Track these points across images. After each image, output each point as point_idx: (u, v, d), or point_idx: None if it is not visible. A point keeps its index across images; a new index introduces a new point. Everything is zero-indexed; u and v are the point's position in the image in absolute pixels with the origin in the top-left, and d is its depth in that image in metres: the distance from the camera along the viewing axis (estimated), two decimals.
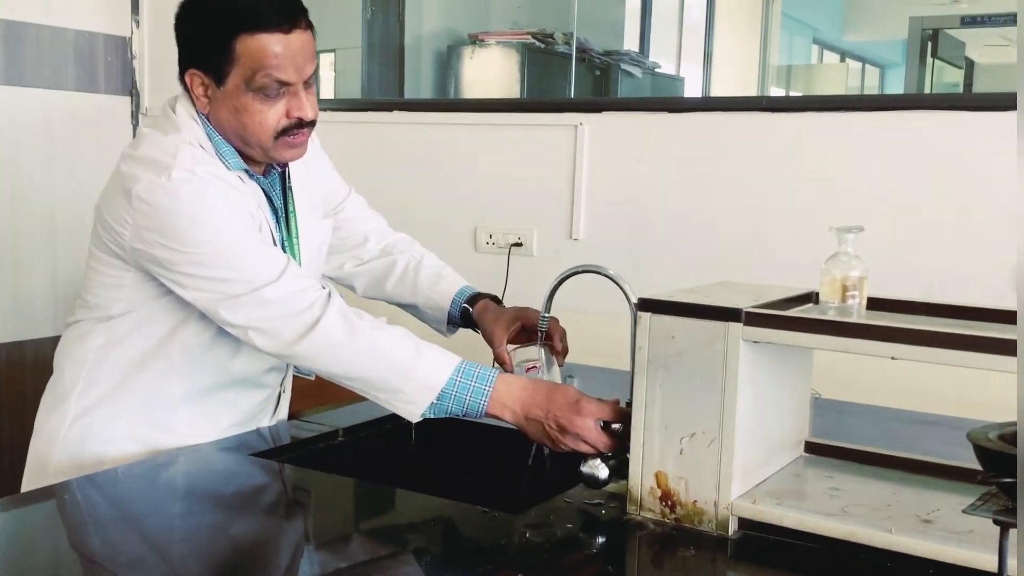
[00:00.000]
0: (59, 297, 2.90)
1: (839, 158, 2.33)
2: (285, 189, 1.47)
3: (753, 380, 1.11)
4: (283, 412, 1.60)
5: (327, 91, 3.70)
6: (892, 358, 0.98)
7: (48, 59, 2.88)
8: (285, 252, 1.44)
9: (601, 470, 1.20)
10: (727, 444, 1.09)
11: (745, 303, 1.10)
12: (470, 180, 2.82)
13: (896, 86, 7.13)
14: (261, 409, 1.53)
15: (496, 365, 1.46)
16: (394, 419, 1.54)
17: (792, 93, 6.47)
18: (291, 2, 1.35)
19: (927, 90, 5.22)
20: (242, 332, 1.32)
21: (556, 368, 1.39)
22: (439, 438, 1.58)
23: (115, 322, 1.42)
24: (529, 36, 3.94)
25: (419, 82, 3.86)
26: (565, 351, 1.47)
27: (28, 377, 2.80)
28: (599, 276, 1.35)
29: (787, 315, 1.07)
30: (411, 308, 1.66)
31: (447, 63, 3.96)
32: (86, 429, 1.43)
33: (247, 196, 1.38)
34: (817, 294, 1.25)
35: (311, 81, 1.37)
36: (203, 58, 1.35)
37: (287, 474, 1.37)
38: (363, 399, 1.35)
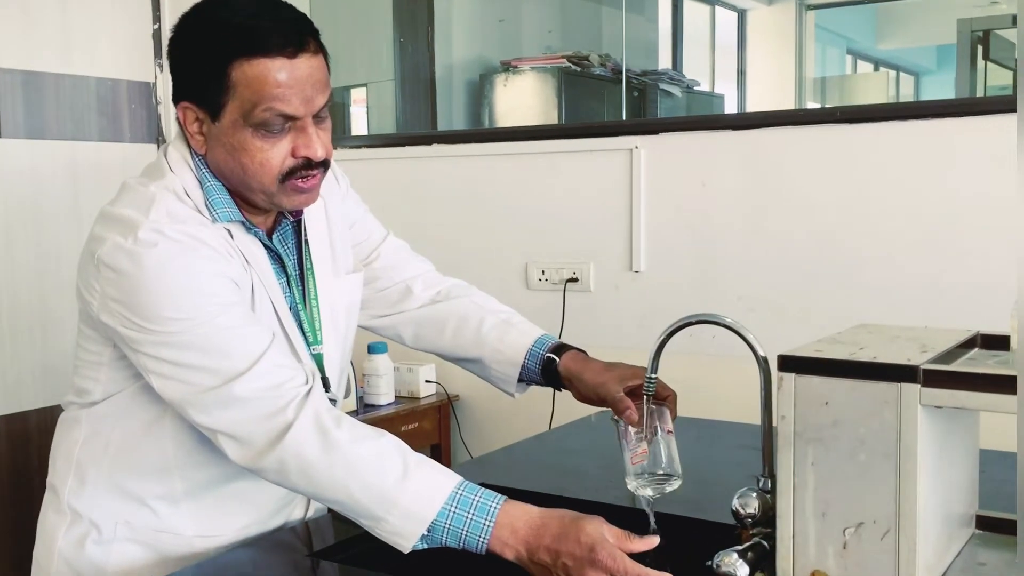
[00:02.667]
0: None
1: (926, 170, 2.12)
2: (300, 243, 1.27)
3: (932, 453, 0.89)
4: (314, 503, 1.37)
5: (360, 127, 3.55)
6: None
7: (70, 109, 2.74)
8: (300, 317, 1.24)
9: (740, 568, 0.98)
10: (907, 535, 0.87)
11: (916, 357, 0.89)
12: (518, 213, 2.64)
13: (932, 92, 6.93)
14: (288, 501, 1.31)
15: (616, 420, 1.23)
16: None
17: (828, 104, 6.29)
18: (298, 21, 1.14)
19: (980, 93, 5.01)
20: (212, 436, 1.12)
21: (672, 436, 1.17)
22: None
23: (98, 408, 1.22)
24: (564, 60, 3.79)
25: (451, 113, 3.72)
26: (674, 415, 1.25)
27: None
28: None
29: (981, 373, 0.85)
30: (473, 363, 1.42)
31: (480, 92, 3.82)
32: (82, 533, 1.23)
33: (232, 259, 1.16)
34: (981, 337, 1.04)
35: (323, 114, 1.16)
36: (196, 88, 1.14)
37: None
38: None
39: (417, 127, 3.36)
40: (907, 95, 7.11)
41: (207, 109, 1.14)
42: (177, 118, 1.18)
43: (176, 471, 1.22)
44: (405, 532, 1.08)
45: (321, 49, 1.16)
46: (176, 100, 1.18)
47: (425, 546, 1.09)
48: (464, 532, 1.07)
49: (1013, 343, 0.90)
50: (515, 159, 2.65)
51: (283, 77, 1.10)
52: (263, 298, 1.20)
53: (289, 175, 1.15)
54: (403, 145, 2.87)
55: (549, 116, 3.65)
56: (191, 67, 1.15)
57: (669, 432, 1.16)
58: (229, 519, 1.26)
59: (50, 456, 1.30)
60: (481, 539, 1.07)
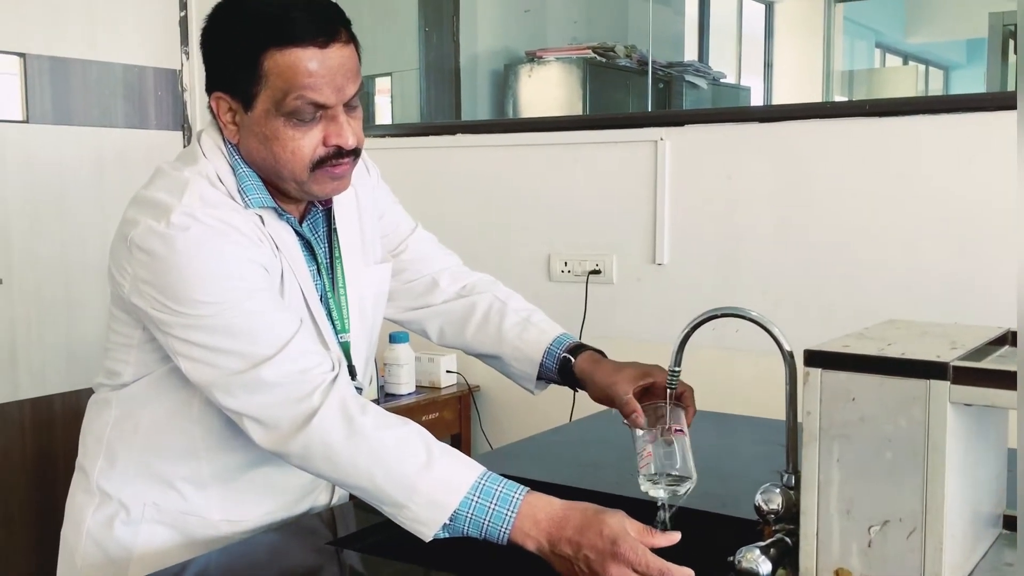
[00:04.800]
0: None
1: (957, 164, 2.09)
2: (330, 231, 1.27)
3: (959, 451, 0.88)
4: (339, 490, 1.37)
5: (385, 116, 3.55)
6: None
7: (97, 96, 2.76)
8: (329, 304, 1.25)
9: (763, 564, 0.97)
10: (933, 534, 0.86)
11: (946, 354, 0.87)
12: (541, 204, 2.64)
13: (962, 87, 6.83)
14: (314, 487, 1.32)
15: (628, 424, 1.23)
16: None
17: (855, 98, 6.21)
18: (329, 10, 1.15)
19: (1011, 88, 4.93)
20: (238, 419, 1.13)
21: (686, 436, 1.16)
22: None
23: (129, 391, 1.23)
24: (589, 51, 3.78)
25: (476, 103, 3.71)
26: (693, 413, 1.24)
27: None
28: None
29: (1011, 370, 0.83)
30: (494, 360, 1.42)
31: (504, 82, 3.81)
32: (111, 514, 1.24)
33: (262, 244, 1.17)
34: (1012, 334, 1.02)
35: (354, 103, 1.16)
36: (228, 78, 1.15)
37: (369, 569, 1.16)
38: None
39: (441, 117, 3.35)
40: (936, 89, 7.02)
41: (240, 99, 1.15)
42: (210, 107, 1.19)
43: (203, 454, 1.23)
44: (427, 520, 1.08)
45: (352, 39, 1.16)
46: (209, 90, 1.18)
47: (447, 535, 1.09)
48: (486, 522, 1.07)
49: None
50: (539, 150, 2.64)
51: (314, 66, 1.11)
52: (292, 284, 1.20)
53: (320, 163, 1.15)
54: (427, 135, 2.87)
55: (574, 107, 3.63)
56: (223, 57, 1.16)
57: (681, 432, 1.15)
58: (255, 504, 1.26)
59: (80, 437, 1.31)
60: (503, 529, 1.07)
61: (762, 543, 0.99)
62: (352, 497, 1.32)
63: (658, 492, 1.13)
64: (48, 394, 2.67)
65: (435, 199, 2.74)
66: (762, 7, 6.20)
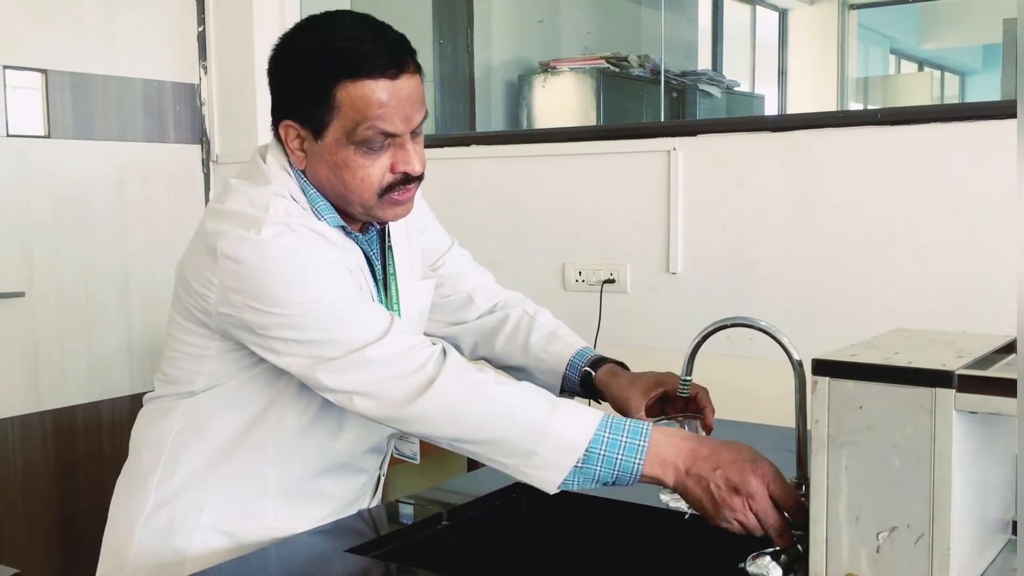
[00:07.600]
0: (135, 355, 2.80)
1: (970, 173, 2.09)
2: (384, 249, 1.32)
3: (966, 458, 0.89)
4: (378, 496, 1.43)
5: None
6: None
7: (117, 110, 2.80)
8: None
9: (773, 570, 0.99)
10: (940, 540, 0.87)
11: (951, 362, 0.89)
12: (556, 214, 2.65)
13: (977, 92, 6.80)
14: (360, 495, 1.36)
15: None
16: (504, 495, 1.37)
17: (870, 106, 6.20)
18: (398, 43, 1.19)
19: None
20: (345, 398, 1.14)
21: None
22: (555, 513, 1.37)
23: (198, 399, 1.25)
24: (603, 61, 3.80)
25: (490, 114, 3.74)
26: (712, 412, 1.26)
27: (105, 438, 2.71)
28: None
29: (1016, 378, 0.85)
30: (519, 371, 1.46)
31: (518, 93, 3.84)
32: (166, 520, 1.27)
33: (346, 252, 1.22)
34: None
35: (419, 130, 1.20)
36: (300, 108, 1.19)
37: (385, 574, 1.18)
38: (460, 474, 1.15)
39: (456, 128, 3.39)
40: (952, 95, 6.99)
41: (310, 127, 1.19)
42: (276, 133, 1.22)
43: (270, 463, 1.25)
44: (558, 463, 1.08)
45: (418, 68, 1.20)
46: (277, 118, 1.22)
47: (575, 484, 1.09)
48: (619, 456, 1.07)
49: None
50: (553, 160, 2.66)
51: (385, 97, 1.15)
52: (365, 291, 1.24)
53: (388, 189, 1.20)
54: (442, 146, 2.89)
55: (588, 117, 3.66)
56: (295, 88, 1.19)
57: None
58: (311, 510, 1.29)
59: (131, 444, 1.33)
60: (637, 461, 1.07)
61: (772, 549, 1.01)
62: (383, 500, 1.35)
63: (679, 503, 1.15)
64: (69, 405, 2.70)
65: (450, 210, 2.74)
66: (776, 15, 6.20)
